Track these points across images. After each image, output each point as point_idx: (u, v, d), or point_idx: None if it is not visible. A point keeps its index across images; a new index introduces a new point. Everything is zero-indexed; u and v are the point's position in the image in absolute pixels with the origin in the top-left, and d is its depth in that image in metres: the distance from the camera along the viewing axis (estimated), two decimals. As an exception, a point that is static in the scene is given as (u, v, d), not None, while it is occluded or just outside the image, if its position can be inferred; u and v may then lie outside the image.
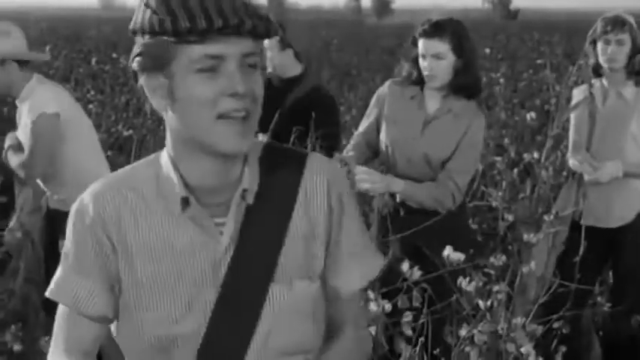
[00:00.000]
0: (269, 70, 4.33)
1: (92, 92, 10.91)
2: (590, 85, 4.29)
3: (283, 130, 3.90)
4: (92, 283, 1.69)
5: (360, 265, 1.79)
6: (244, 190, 1.66)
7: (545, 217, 4.10)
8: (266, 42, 4.09)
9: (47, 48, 4.55)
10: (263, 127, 3.79)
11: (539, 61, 16.09)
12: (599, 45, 4.15)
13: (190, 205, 1.64)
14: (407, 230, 3.62)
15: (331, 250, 1.75)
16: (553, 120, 4.86)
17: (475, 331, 2.97)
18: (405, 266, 3.09)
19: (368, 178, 3.56)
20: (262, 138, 2.48)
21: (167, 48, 1.55)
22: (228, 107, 1.55)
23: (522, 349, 2.91)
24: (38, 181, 4.27)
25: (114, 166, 4.50)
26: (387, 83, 3.91)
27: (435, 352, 3.25)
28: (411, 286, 3.08)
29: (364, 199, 4.35)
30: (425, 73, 3.68)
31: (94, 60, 15.46)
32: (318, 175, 1.74)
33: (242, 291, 1.65)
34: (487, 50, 18.85)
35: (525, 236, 3.49)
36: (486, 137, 6.29)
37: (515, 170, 6.64)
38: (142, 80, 1.62)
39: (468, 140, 3.69)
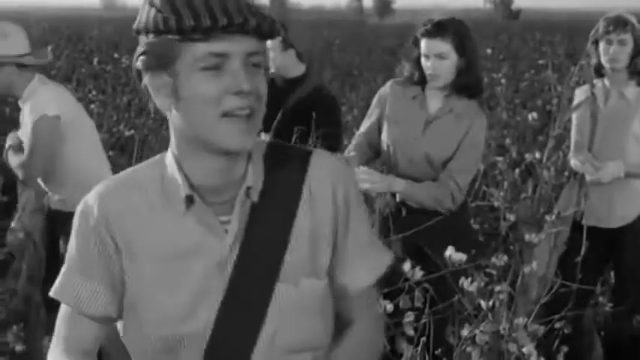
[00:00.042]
0: (272, 70, 4.33)
1: (94, 92, 10.90)
2: (592, 86, 4.28)
3: (285, 130, 3.90)
4: (95, 283, 1.69)
5: (367, 261, 1.79)
6: (248, 188, 1.66)
7: (547, 218, 4.10)
8: (268, 42, 4.08)
9: (49, 48, 4.53)
10: (265, 127, 3.80)
11: (540, 62, 16.07)
12: (601, 45, 4.15)
13: (195, 203, 1.64)
14: (408, 230, 3.61)
15: (338, 248, 1.75)
16: (555, 120, 4.86)
17: (477, 331, 2.96)
18: (406, 266, 3.09)
19: (368, 178, 3.56)
20: (264, 138, 2.48)
21: (171, 46, 1.55)
22: (232, 105, 1.55)
23: (524, 349, 2.91)
24: (40, 181, 4.27)
25: (115, 167, 4.51)
26: (389, 83, 3.91)
27: (436, 352, 3.25)
28: (412, 287, 3.08)
29: (365, 199, 4.35)
30: (428, 72, 3.68)
31: (95, 60, 15.45)
32: (323, 172, 1.74)
33: (248, 290, 1.65)
34: (489, 50, 18.84)
35: (527, 236, 3.48)
36: (488, 137, 6.28)
37: (517, 170, 6.65)
38: (145, 79, 1.62)
39: (469, 140, 3.69)
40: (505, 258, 3.18)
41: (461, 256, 3.08)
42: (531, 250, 3.91)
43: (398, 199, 3.75)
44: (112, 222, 1.67)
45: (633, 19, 4.13)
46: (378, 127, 3.88)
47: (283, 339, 1.66)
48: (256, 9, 1.57)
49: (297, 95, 4.31)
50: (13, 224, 4.64)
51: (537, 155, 5.84)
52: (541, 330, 3.05)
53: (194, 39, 1.54)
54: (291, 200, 1.70)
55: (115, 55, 16.62)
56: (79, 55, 17.44)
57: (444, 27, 3.64)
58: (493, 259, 3.17)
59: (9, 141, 4.30)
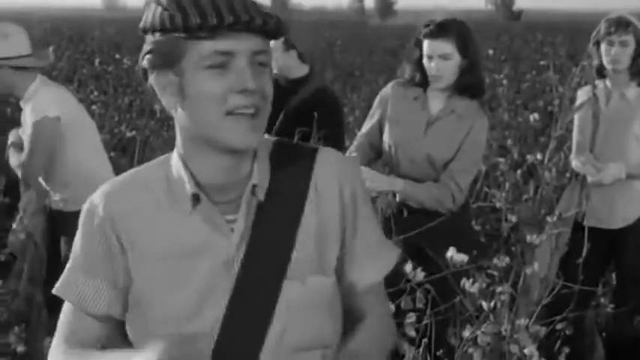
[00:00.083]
0: (274, 71, 4.32)
1: (95, 93, 10.92)
2: (594, 87, 4.28)
3: (287, 131, 3.90)
4: (98, 282, 1.69)
5: (375, 259, 1.80)
6: (254, 186, 1.66)
7: (549, 219, 4.10)
8: (271, 43, 4.09)
9: (51, 49, 4.54)
10: (267, 128, 3.80)
11: (542, 63, 16.09)
12: (603, 46, 4.15)
13: (201, 202, 1.64)
14: (410, 231, 3.61)
15: (346, 245, 1.75)
16: (556, 121, 4.85)
17: (478, 333, 2.96)
18: (408, 267, 3.09)
19: (369, 178, 3.56)
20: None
21: (177, 45, 1.56)
22: (237, 103, 1.56)
23: (525, 351, 2.91)
24: (41, 181, 4.28)
25: (117, 167, 4.51)
26: (390, 84, 3.91)
27: (438, 353, 3.26)
28: (414, 287, 3.08)
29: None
30: (431, 73, 3.68)
31: (97, 61, 15.48)
32: (330, 170, 1.74)
33: (255, 288, 1.65)
34: (490, 51, 18.84)
35: (528, 237, 3.48)
36: (489, 138, 6.28)
37: (519, 171, 6.65)
38: (151, 78, 1.62)
39: (470, 140, 3.69)
40: (506, 259, 3.18)
41: (462, 257, 3.08)
42: (533, 251, 3.90)
43: (398, 199, 3.75)
44: (117, 221, 1.67)
45: (635, 21, 4.12)
46: (379, 127, 3.88)
47: (291, 337, 1.65)
48: (262, 8, 1.57)
49: (300, 96, 4.30)
50: (14, 225, 4.64)
51: (539, 156, 5.85)
52: (542, 331, 3.05)
53: (200, 37, 1.54)
54: (297, 198, 1.70)
55: (117, 56, 16.66)
56: (81, 56, 17.47)
57: (447, 28, 3.64)
58: (494, 260, 3.17)
59: (10, 138, 4.32)
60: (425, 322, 3.14)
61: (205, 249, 1.65)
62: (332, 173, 1.74)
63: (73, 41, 23.43)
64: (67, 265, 1.75)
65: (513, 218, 5.19)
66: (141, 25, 1.62)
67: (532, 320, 3.16)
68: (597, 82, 4.29)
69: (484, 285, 3.03)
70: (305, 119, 4.01)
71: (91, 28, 34.60)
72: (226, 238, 1.66)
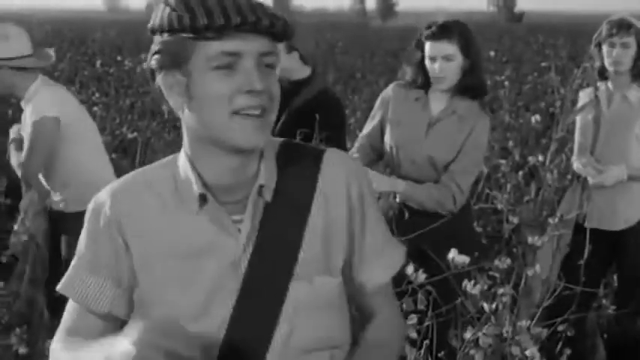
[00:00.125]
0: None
1: (97, 95, 10.93)
2: (596, 88, 4.28)
3: (289, 132, 3.89)
4: (102, 281, 1.70)
5: (383, 259, 1.81)
6: (261, 186, 1.67)
7: (550, 220, 4.09)
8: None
9: (52, 50, 4.52)
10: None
11: (543, 64, 16.07)
12: (605, 48, 4.15)
13: (208, 202, 1.65)
14: (411, 233, 3.61)
15: (355, 246, 1.76)
16: (558, 123, 4.85)
17: (480, 334, 2.96)
18: (409, 269, 3.09)
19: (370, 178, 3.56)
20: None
21: (185, 45, 1.57)
22: (244, 104, 1.57)
23: (527, 352, 2.91)
24: (42, 181, 4.28)
25: (118, 169, 4.52)
26: (392, 86, 3.91)
27: (439, 354, 3.25)
28: (415, 289, 3.08)
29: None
30: (434, 75, 3.67)
31: (98, 62, 15.50)
32: (337, 170, 1.75)
33: (262, 289, 1.65)
34: (492, 53, 18.84)
35: (530, 239, 3.48)
36: (491, 140, 6.28)
37: (520, 173, 6.65)
38: (159, 78, 1.63)
39: (472, 141, 3.69)
40: (508, 261, 3.18)
41: (464, 259, 3.07)
42: (534, 252, 3.90)
43: (399, 201, 3.75)
44: (123, 222, 1.68)
45: (637, 22, 4.12)
46: (380, 129, 3.88)
47: (298, 338, 1.66)
48: (269, 9, 1.58)
49: (302, 98, 4.30)
50: (15, 227, 4.64)
51: (540, 158, 5.83)
52: (544, 333, 3.04)
53: (207, 37, 1.55)
54: (304, 199, 1.71)
55: (118, 58, 16.66)
56: (82, 58, 17.48)
57: (449, 29, 3.64)
58: (496, 262, 3.17)
59: (12, 135, 4.33)
60: (426, 323, 3.14)
61: (212, 249, 1.66)
62: (339, 174, 1.74)
63: (74, 43, 23.45)
64: (72, 263, 1.75)
65: (515, 220, 5.18)
66: (149, 25, 1.63)
67: (533, 322, 3.16)
68: (599, 83, 4.29)
69: (485, 286, 3.03)
70: (307, 121, 4.00)
71: (93, 29, 34.63)
72: (233, 239, 1.66)
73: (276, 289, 1.65)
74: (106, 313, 1.72)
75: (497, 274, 3.16)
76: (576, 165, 4.29)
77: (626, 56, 4.10)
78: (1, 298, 4.80)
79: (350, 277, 1.77)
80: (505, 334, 2.96)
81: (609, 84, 4.24)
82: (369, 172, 3.62)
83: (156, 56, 1.62)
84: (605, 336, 4.63)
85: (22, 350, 4.04)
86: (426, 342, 3.05)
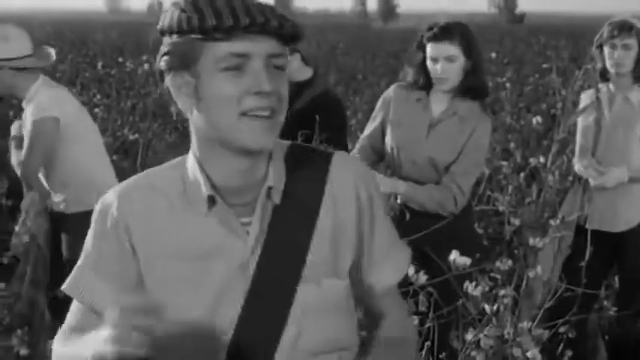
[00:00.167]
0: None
1: (98, 96, 10.93)
2: (597, 90, 4.28)
3: (290, 134, 3.88)
4: (107, 283, 1.70)
5: (391, 260, 1.81)
6: (270, 188, 1.67)
7: (551, 222, 4.09)
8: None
9: (53, 51, 4.52)
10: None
11: (545, 66, 16.05)
12: (606, 49, 4.15)
13: (217, 204, 1.65)
14: (413, 234, 3.60)
15: (364, 248, 1.76)
16: (559, 124, 4.85)
17: (481, 336, 2.96)
18: (410, 270, 3.09)
19: None
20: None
21: (194, 46, 1.57)
22: (252, 105, 1.57)
23: (528, 354, 2.91)
24: (43, 181, 4.29)
25: (119, 170, 4.52)
26: (393, 87, 3.91)
27: (441, 356, 3.25)
28: (417, 291, 3.08)
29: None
30: (436, 76, 3.67)
31: (100, 64, 15.49)
32: (345, 173, 1.75)
33: (270, 291, 1.65)
34: (493, 54, 18.86)
35: (531, 241, 3.47)
36: (492, 141, 6.29)
37: (522, 175, 6.64)
38: (168, 79, 1.63)
39: (473, 143, 3.69)
40: (509, 262, 3.18)
41: (465, 260, 3.07)
42: (535, 254, 3.89)
43: (400, 202, 3.75)
44: (130, 223, 1.68)
45: (638, 24, 4.12)
46: (381, 130, 3.88)
47: (306, 340, 1.66)
48: (278, 11, 1.58)
49: (304, 99, 4.30)
50: (16, 228, 4.64)
51: (542, 159, 5.83)
52: (545, 334, 3.04)
53: (216, 38, 1.55)
54: (313, 201, 1.71)
55: (119, 59, 16.66)
56: (83, 59, 17.49)
57: (451, 30, 3.64)
58: (497, 264, 3.17)
59: (13, 131, 4.33)
60: (427, 325, 3.14)
61: (221, 251, 1.66)
62: (348, 177, 1.74)
63: (75, 44, 23.48)
64: (78, 263, 1.75)
65: (516, 221, 5.18)
66: (158, 26, 1.64)
67: (535, 323, 3.16)
68: (600, 85, 4.28)
69: (487, 288, 3.02)
70: (308, 122, 4.00)
71: (94, 31, 34.66)
72: (242, 241, 1.66)
73: (285, 292, 1.65)
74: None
75: (498, 276, 3.16)
76: (577, 167, 4.29)
77: (628, 58, 4.09)
78: (2, 299, 4.80)
79: (358, 278, 1.77)
80: (506, 336, 2.95)
81: (611, 85, 4.24)
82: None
83: (165, 57, 1.62)
84: (607, 337, 4.63)
85: (24, 352, 4.04)
86: (427, 343, 3.05)
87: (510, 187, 6.30)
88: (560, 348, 3.80)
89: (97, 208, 1.73)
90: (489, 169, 6.73)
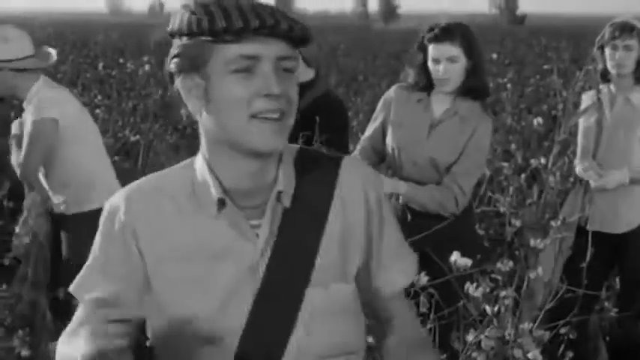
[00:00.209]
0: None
1: (99, 97, 10.92)
2: (598, 91, 4.28)
3: (291, 135, 3.89)
4: (114, 286, 1.70)
5: (399, 264, 1.83)
6: (279, 192, 1.67)
7: (552, 223, 4.09)
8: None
9: (54, 52, 4.52)
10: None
11: (546, 67, 16.06)
12: (607, 50, 4.15)
13: (226, 206, 1.65)
14: (414, 235, 3.60)
15: (373, 251, 1.77)
16: (560, 125, 4.85)
17: (482, 337, 2.96)
18: (411, 271, 3.08)
19: None
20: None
21: (204, 48, 1.58)
22: (262, 107, 1.57)
23: (529, 355, 2.91)
24: (43, 183, 4.29)
25: (120, 172, 4.52)
26: (394, 88, 3.92)
27: (442, 357, 3.25)
28: (418, 292, 3.08)
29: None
30: (437, 77, 3.67)
31: (101, 65, 15.48)
32: (354, 177, 1.76)
33: (279, 294, 1.65)
34: (494, 55, 18.84)
35: (532, 242, 3.47)
36: (493, 143, 6.29)
37: (523, 176, 6.65)
38: (177, 82, 1.64)
39: (474, 143, 3.69)
40: (510, 263, 3.18)
41: (466, 262, 3.07)
42: (536, 255, 3.89)
43: (401, 202, 3.75)
44: (137, 227, 1.68)
45: (639, 25, 4.12)
46: (382, 131, 3.89)
47: (314, 344, 1.66)
48: (288, 14, 1.59)
49: (306, 100, 4.30)
50: (18, 229, 4.64)
51: (542, 161, 5.83)
52: (546, 335, 3.04)
53: (226, 41, 1.56)
54: (322, 205, 1.72)
55: (121, 61, 16.66)
56: (84, 60, 17.48)
57: (452, 31, 3.64)
58: (498, 265, 3.17)
59: (13, 130, 4.33)
60: (428, 326, 3.14)
61: (230, 253, 1.66)
62: (356, 180, 1.75)
63: (76, 45, 23.46)
64: (85, 265, 1.75)
65: (517, 223, 5.17)
66: (168, 29, 1.64)
67: (536, 324, 3.16)
68: (601, 86, 4.28)
69: (488, 289, 3.02)
70: (309, 123, 4.00)
71: (95, 32, 34.63)
72: (251, 244, 1.66)
73: (293, 295, 1.66)
74: (115, 317, 1.70)
75: (499, 277, 3.16)
76: (578, 169, 4.29)
77: (629, 59, 4.09)
78: (3, 300, 4.80)
79: (367, 281, 1.78)
80: (507, 337, 2.95)
81: (612, 86, 4.24)
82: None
83: (175, 60, 1.62)
84: (608, 338, 4.63)
85: (25, 353, 4.04)
86: (428, 344, 3.04)
87: (511, 189, 6.30)
88: (561, 349, 3.79)
89: (105, 210, 1.73)
90: (490, 170, 6.73)
